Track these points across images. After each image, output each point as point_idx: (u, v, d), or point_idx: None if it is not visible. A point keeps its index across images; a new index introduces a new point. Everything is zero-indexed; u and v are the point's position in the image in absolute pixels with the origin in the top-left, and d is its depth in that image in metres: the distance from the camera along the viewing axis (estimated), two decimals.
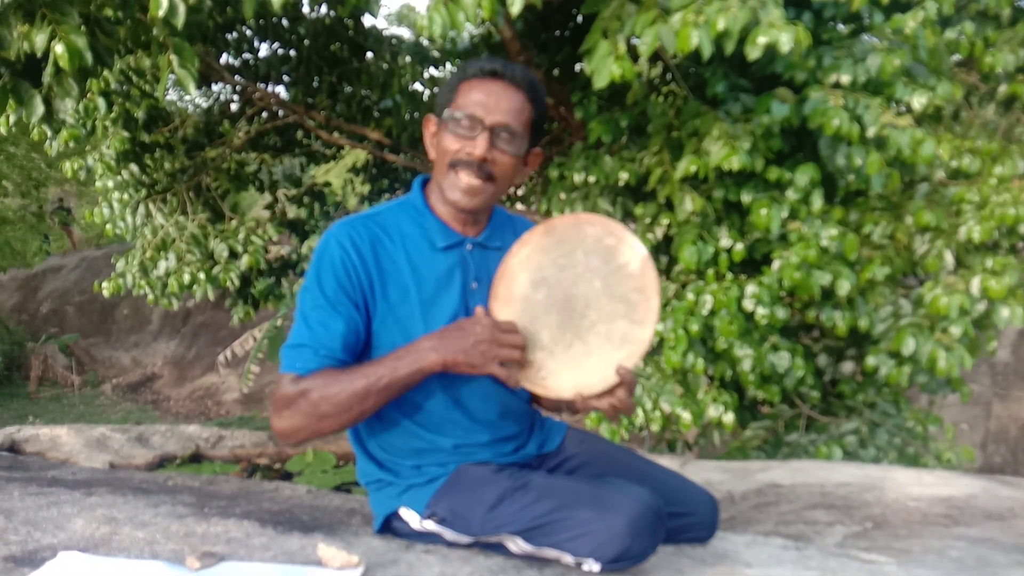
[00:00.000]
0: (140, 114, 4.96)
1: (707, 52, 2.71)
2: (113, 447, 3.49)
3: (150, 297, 5.14)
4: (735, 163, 3.17)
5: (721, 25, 2.67)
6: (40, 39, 2.67)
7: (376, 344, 1.48)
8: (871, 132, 3.14)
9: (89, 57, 2.71)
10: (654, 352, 3.63)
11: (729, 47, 2.74)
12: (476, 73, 1.45)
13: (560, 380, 1.42)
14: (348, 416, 1.39)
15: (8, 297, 14.87)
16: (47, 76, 2.88)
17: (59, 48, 2.65)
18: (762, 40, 2.76)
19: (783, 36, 2.72)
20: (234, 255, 4.93)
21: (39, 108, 2.98)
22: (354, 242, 1.45)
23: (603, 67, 2.89)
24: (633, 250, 1.43)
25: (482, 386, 1.52)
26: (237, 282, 4.87)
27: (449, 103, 1.47)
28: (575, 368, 1.41)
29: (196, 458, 3.73)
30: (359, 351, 1.47)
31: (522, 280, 1.48)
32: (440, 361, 1.38)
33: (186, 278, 4.82)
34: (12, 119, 4.34)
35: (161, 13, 2.75)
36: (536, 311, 1.46)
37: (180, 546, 1.46)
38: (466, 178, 1.45)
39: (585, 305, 1.44)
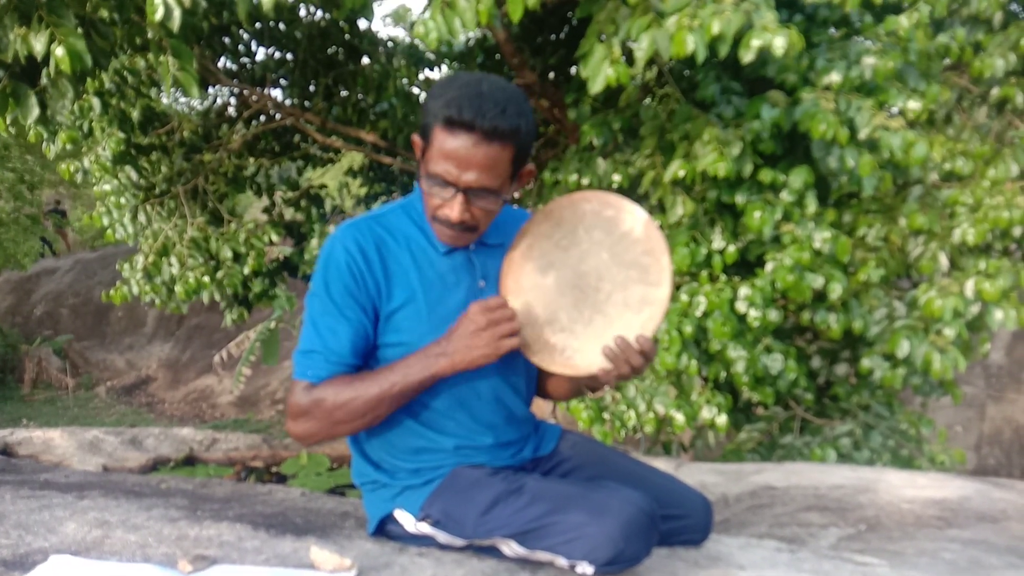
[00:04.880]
0: (135, 114, 4.94)
1: (702, 56, 2.72)
2: (106, 450, 3.48)
3: (157, 302, 5.13)
4: (721, 170, 3.19)
5: (716, 29, 2.68)
6: (40, 42, 2.67)
7: (385, 344, 1.48)
8: (863, 134, 3.15)
9: (89, 60, 2.71)
10: None
11: (723, 51, 2.74)
12: (452, 117, 1.30)
13: (587, 357, 1.42)
14: (362, 421, 1.44)
15: (2, 299, 14.79)
16: (44, 78, 2.88)
17: (59, 51, 2.65)
18: (756, 43, 2.76)
19: (777, 39, 2.73)
20: (236, 258, 4.93)
21: (34, 109, 2.98)
22: (360, 245, 1.44)
23: (598, 72, 2.89)
24: (634, 216, 1.43)
25: (488, 387, 1.52)
26: (241, 288, 4.88)
27: (427, 134, 1.36)
28: (600, 341, 1.41)
29: (190, 461, 3.72)
30: (368, 352, 1.49)
31: (529, 269, 1.48)
32: (450, 364, 1.40)
33: (191, 282, 4.81)
34: (8, 119, 4.32)
35: (158, 17, 2.76)
36: (549, 295, 1.46)
37: (173, 549, 1.45)
38: (448, 231, 1.43)
39: (597, 278, 1.43)
